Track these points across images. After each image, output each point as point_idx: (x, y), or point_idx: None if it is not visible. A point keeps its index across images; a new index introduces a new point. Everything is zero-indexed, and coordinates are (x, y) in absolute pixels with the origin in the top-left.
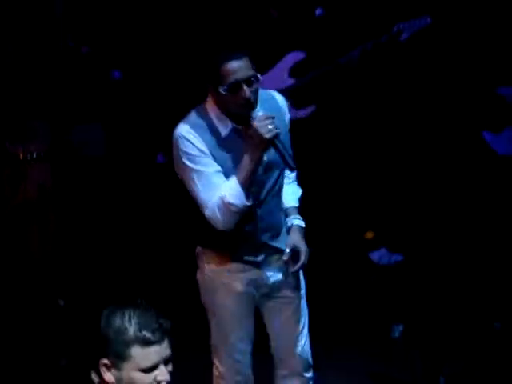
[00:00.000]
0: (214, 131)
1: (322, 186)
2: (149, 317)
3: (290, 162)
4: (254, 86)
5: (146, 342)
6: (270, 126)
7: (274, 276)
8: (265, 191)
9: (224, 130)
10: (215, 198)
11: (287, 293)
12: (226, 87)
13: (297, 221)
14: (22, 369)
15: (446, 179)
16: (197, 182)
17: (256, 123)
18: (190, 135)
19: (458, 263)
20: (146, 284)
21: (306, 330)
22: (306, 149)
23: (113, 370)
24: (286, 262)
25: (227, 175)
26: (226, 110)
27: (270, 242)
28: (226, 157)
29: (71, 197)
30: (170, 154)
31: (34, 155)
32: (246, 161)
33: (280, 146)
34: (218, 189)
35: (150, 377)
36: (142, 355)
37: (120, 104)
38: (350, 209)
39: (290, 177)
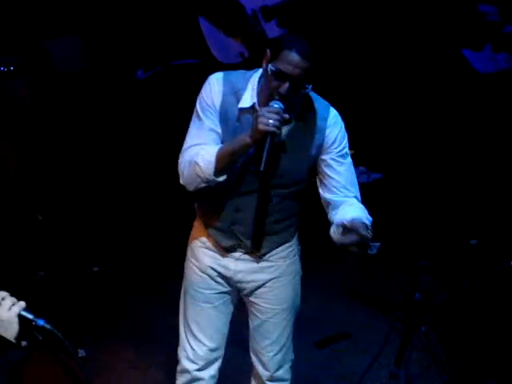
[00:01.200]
0: (237, 96)
1: None
2: None
3: (262, 164)
4: (298, 96)
5: None
6: (271, 120)
7: (241, 274)
8: (254, 189)
9: (244, 102)
10: (192, 151)
11: (260, 301)
12: (274, 69)
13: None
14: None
15: (425, 98)
16: (192, 125)
17: (262, 110)
18: (215, 82)
19: (435, 181)
20: (121, 202)
21: (281, 344)
22: None
23: None
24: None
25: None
26: (262, 85)
27: (240, 237)
28: (230, 128)
29: (49, 111)
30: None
31: (11, 67)
32: (239, 137)
33: (267, 145)
34: (200, 144)
35: None
36: None
37: (100, 17)
38: None
39: (351, 202)
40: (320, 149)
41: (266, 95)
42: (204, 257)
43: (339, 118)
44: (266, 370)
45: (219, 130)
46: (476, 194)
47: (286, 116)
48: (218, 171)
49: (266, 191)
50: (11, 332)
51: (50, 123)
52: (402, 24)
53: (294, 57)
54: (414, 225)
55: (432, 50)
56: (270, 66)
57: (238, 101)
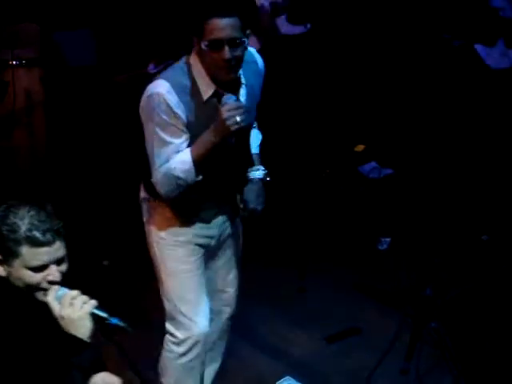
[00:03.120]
0: (195, 93)
1: (317, 99)
2: (42, 217)
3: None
4: (239, 50)
5: (36, 243)
6: (237, 118)
7: (220, 228)
8: (226, 161)
9: (206, 93)
10: (165, 168)
11: (230, 240)
12: (207, 43)
13: (256, 173)
14: None
15: (436, 94)
16: (155, 146)
17: (225, 112)
18: (169, 96)
19: (446, 178)
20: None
21: (238, 279)
22: (302, 64)
23: (4, 266)
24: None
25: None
26: (207, 69)
27: (221, 204)
28: (202, 123)
29: (61, 104)
30: (162, 62)
31: (24, 61)
32: (205, 140)
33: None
34: (170, 160)
35: (39, 276)
36: (31, 254)
37: (112, 11)
38: (342, 122)
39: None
40: (261, 88)
41: (214, 72)
42: (187, 230)
43: (258, 54)
44: (229, 306)
45: (185, 138)
46: (487, 189)
47: (242, 103)
48: (198, 173)
49: (236, 154)
50: (84, 331)
51: (62, 117)
52: (415, 19)
53: (216, 23)
54: (424, 220)
55: (444, 46)
56: (202, 44)
57: (198, 95)
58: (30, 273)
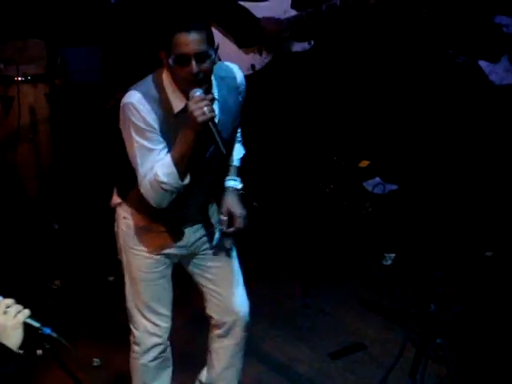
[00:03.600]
0: (166, 105)
1: (322, 113)
2: None
3: (222, 147)
4: (207, 63)
5: None
6: (205, 109)
7: (194, 236)
8: (205, 169)
9: (177, 106)
10: (149, 176)
11: (213, 250)
12: (174, 57)
13: (232, 182)
14: (16, 291)
15: (440, 109)
16: (137, 155)
17: (191, 104)
18: (140, 105)
19: (450, 194)
20: None
21: (242, 286)
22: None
23: None
24: (221, 224)
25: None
26: (176, 83)
27: (195, 214)
28: (173, 135)
29: (66, 121)
30: None
31: (29, 77)
32: (181, 140)
33: (214, 129)
34: (154, 167)
35: None
36: None
37: (116, 29)
38: (346, 137)
39: (236, 136)
40: (239, 104)
41: (183, 86)
42: (156, 240)
43: (239, 70)
44: (238, 307)
45: (164, 145)
46: (491, 205)
47: (210, 96)
48: (182, 175)
49: (212, 165)
50: (15, 340)
51: (67, 133)
52: (419, 35)
53: (186, 36)
54: (429, 236)
55: (448, 61)
56: (169, 60)
57: (169, 107)
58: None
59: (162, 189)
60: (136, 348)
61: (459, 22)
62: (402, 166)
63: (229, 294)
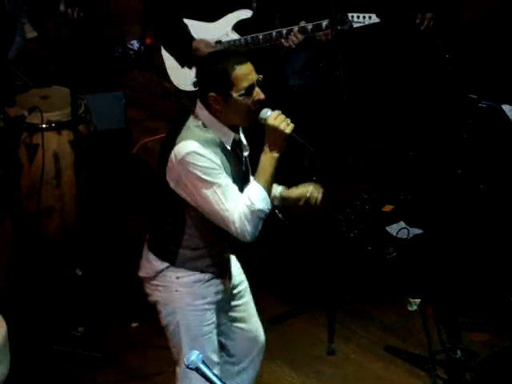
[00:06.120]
0: (219, 144)
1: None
2: None
3: (311, 148)
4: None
5: None
6: (288, 120)
7: (233, 278)
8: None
9: (227, 142)
10: (240, 208)
11: (240, 288)
12: (243, 91)
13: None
14: (39, 337)
15: (464, 153)
16: (220, 196)
17: (272, 121)
18: (202, 150)
19: (477, 238)
20: None
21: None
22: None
23: None
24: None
25: None
26: (233, 117)
27: (231, 247)
28: (231, 169)
29: (90, 168)
30: None
31: (53, 124)
32: (267, 162)
33: (296, 136)
34: (240, 199)
35: None
36: None
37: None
38: (370, 181)
39: None
40: None
41: (246, 115)
42: (211, 288)
43: None
44: (261, 335)
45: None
46: None
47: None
48: (270, 198)
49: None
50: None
51: (91, 181)
52: (441, 80)
53: (243, 69)
54: (455, 281)
55: (471, 106)
56: (235, 95)
57: (222, 145)
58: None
59: (259, 217)
60: None
61: (482, 66)
62: (427, 210)
63: (256, 327)
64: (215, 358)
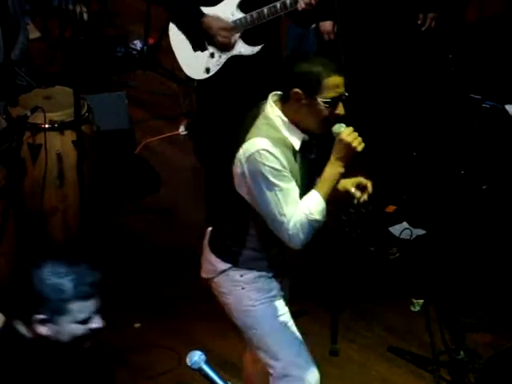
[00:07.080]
0: (288, 145)
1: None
2: None
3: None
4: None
5: None
6: (359, 138)
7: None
8: None
9: (296, 143)
10: (298, 216)
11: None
12: (329, 100)
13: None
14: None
15: (467, 152)
16: (280, 199)
17: (346, 137)
18: (272, 149)
19: (480, 239)
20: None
21: None
22: None
23: None
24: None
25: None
26: (307, 120)
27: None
28: (297, 171)
29: (94, 168)
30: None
31: (56, 124)
32: (332, 174)
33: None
34: (299, 206)
35: None
36: None
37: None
38: (372, 181)
39: None
40: None
41: (320, 125)
42: (271, 284)
43: None
44: None
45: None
46: None
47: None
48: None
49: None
50: None
51: (95, 181)
52: (444, 80)
53: (336, 80)
54: (458, 281)
55: (475, 106)
56: (318, 100)
57: (291, 146)
58: None
59: (313, 227)
60: None
61: (485, 66)
62: (430, 210)
63: None
64: (299, 346)
